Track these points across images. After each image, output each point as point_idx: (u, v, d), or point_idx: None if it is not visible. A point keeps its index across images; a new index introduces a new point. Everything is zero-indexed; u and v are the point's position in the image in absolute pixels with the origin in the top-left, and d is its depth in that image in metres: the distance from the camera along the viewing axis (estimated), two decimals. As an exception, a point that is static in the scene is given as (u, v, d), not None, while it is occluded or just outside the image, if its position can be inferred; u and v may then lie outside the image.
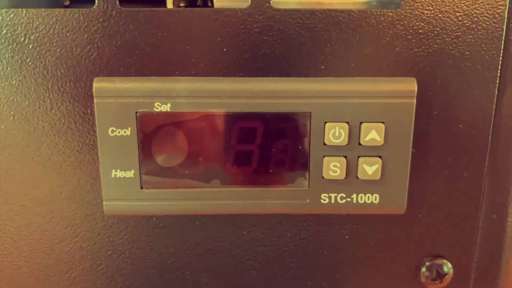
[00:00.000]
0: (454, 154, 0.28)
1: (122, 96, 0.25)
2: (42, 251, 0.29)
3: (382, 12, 0.25)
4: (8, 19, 0.25)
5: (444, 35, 0.25)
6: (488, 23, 0.25)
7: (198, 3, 0.29)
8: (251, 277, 0.30)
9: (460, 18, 0.25)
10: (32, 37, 0.25)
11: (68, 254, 0.29)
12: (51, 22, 0.25)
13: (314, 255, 0.30)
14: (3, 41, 0.25)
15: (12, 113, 0.26)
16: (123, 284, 0.30)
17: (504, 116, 0.27)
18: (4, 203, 0.28)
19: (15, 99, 0.26)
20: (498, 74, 0.26)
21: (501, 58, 0.25)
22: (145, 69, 0.26)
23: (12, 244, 0.29)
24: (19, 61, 0.26)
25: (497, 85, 0.26)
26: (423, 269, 0.30)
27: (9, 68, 0.25)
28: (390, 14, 0.25)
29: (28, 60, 0.26)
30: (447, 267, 0.30)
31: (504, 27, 0.25)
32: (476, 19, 0.25)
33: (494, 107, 0.26)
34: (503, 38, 0.25)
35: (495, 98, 0.26)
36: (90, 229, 0.29)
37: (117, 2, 0.24)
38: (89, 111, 0.26)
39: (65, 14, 0.25)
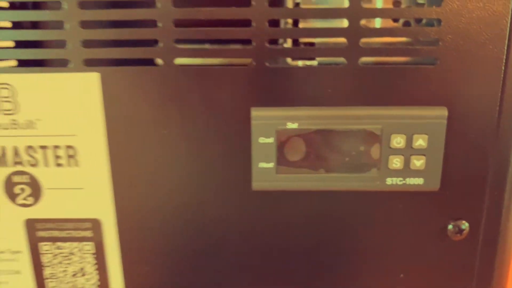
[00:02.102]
0: (470, 153, 0.38)
1: (268, 119, 0.38)
2: (201, 221, 0.41)
3: (423, 67, 0.37)
4: (188, 74, 0.38)
5: (462, 82, 0.38)
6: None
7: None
8: (333, 234, 0.41)
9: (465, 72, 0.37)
10: (206, 82, 0.38)
11: (217, 221, 0.41)
12: (217, 76, 0.37)
13: (379, 219, 0.40)
14: (191, 88, 0.38)
15: (190, 130, 0.39)
16: (255, 242, 0.41)
17: (501, 130, 0.38)
18: (180, 188, 0.40)
19: (195, 122, 0.38)
20: (497, 109, 0.37)
21: (499, 100, 0.37)
22: (281, 102, 0.39)
23: (179, 215, 0.41)
24: (198, 99, 0.38)
25: (497, 113, 0.37)
26: (450, 227, 0.40)
27: (193, 101, 0.38)
28: (429, 68, 0.37)
29: (204, 97, 0.38)
30: (465, 225, 0.39)
31: (501, 78, 0.38)
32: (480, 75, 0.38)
33: (497, 123, 0.37)
34: (500, 89, 0.37)
35: (496, 120, 0.37)
36: (235, 204, 0.40)
37: (266, 63, 0.38)
38: (244, 127, 0.39)
39: (226, 70, 0.38)
